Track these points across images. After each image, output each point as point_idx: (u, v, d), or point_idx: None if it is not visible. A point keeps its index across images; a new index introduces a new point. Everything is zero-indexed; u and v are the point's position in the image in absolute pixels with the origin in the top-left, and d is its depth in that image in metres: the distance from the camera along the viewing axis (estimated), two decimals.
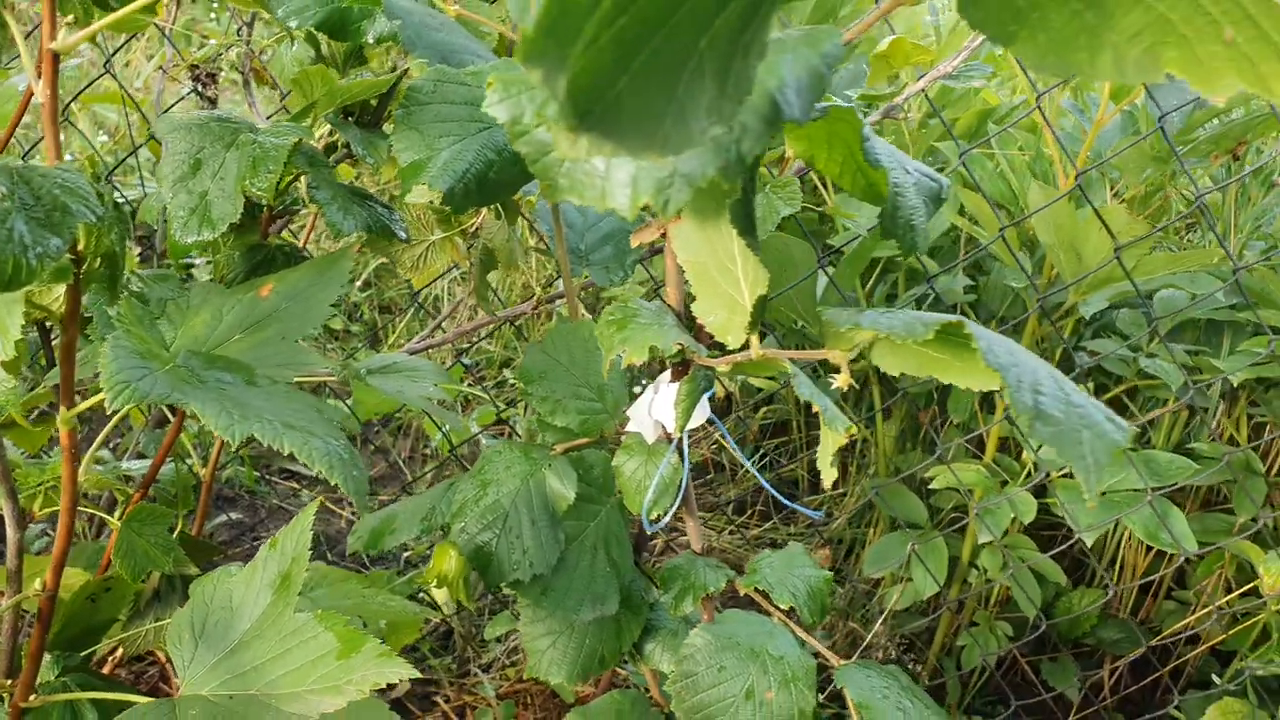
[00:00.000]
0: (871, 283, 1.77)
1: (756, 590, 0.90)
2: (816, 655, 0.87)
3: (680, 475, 0.86)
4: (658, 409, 0.86)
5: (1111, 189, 1.53)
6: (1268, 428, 1.68)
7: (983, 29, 0.46)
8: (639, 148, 0.35)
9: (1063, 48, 0.47)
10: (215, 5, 1.57)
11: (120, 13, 0.52)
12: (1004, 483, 1.61)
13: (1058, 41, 0.47)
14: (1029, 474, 1.61)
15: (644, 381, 1.00)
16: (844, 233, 1.37)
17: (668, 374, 0.85)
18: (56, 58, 0.50)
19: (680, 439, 0.86)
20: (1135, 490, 1.41)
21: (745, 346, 0.68)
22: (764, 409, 2.34)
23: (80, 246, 0.53)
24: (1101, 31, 0.46)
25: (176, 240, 0.68)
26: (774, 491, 0.95)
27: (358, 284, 2.56)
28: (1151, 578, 1.70)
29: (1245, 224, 1.84)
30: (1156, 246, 1.63)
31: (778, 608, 0.88)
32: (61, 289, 0.61)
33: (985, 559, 1.66)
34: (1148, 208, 1.43)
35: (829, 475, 0.72)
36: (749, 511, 2.25)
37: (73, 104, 1.42)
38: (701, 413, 0.84)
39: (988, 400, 1.72)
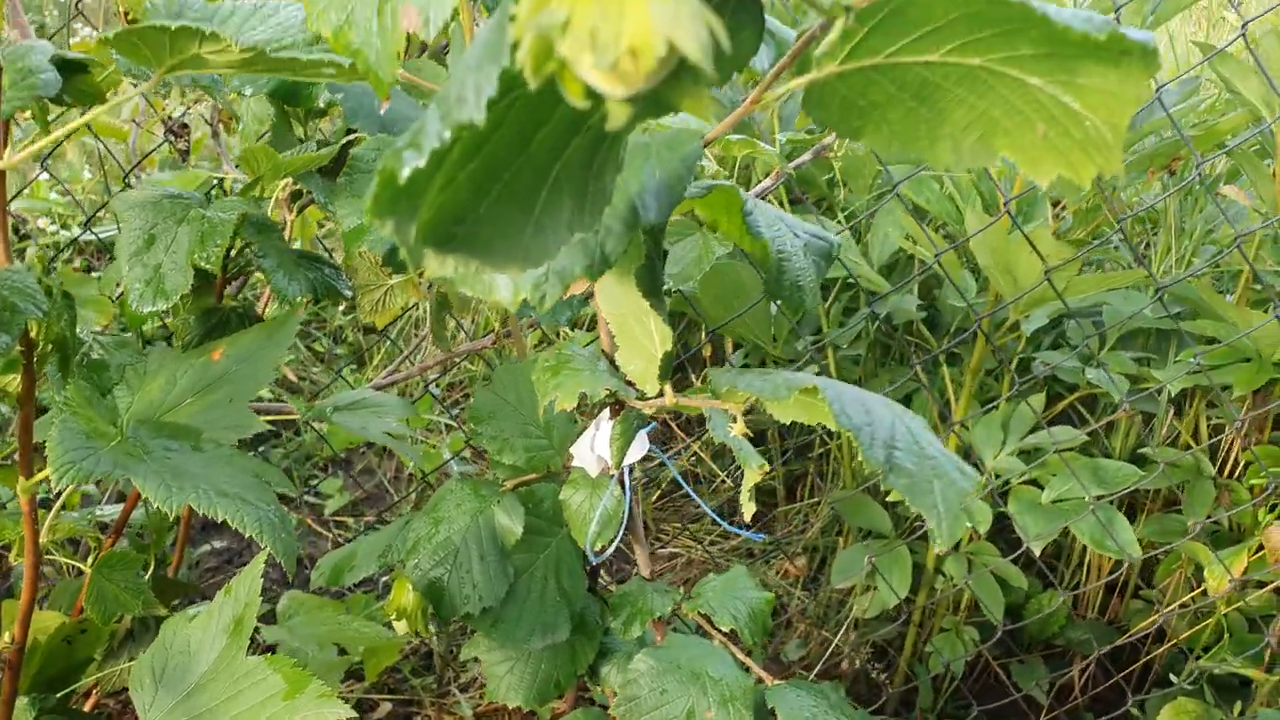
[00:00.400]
0: (831, 298, 1.83)
1: (699, 614, 0.95)
2: (756, 677, 0.92)
3: (623, 507, 0.92)
4: (599, 444, 0.91)
5: (1056, 205, 1.58)
6: (1226, 429, 1.73)
7: (830, 126, 0.52)
8: (502, 263, 0.41)
9: (904, 140, 0.52)
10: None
11: (73, 125, 0.57)
12: None
13: (899, 135, 0.52)
14: (989, 481, 1.66)
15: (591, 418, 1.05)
16: None
17: (607, 411, 0.91)
18: (3, 175, 0.56)
19: (621, 472, 0.91)
20: (1084, 499, 1.46)
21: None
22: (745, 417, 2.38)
23: (33, 334, 0.58)
24: (937, 125, 0.52)
25: (134, 311, 0.73)
26: (712, 513, 1.00)
27: (340, 308, 2.61)
28: (1117, 575, 1.75)
29: (1195, 227, 1.90)
30: (1094, 263, 1.68)
31: (719, 630, 0.93)
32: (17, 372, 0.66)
33: (950, 565, 1.72)
34: (1090, 223, 1.49)
35: (748, 509, 0.78)
36: (730, 520, 2.30)
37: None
38: (639, 447, 0.89)
39: (944, 415, 1.77)
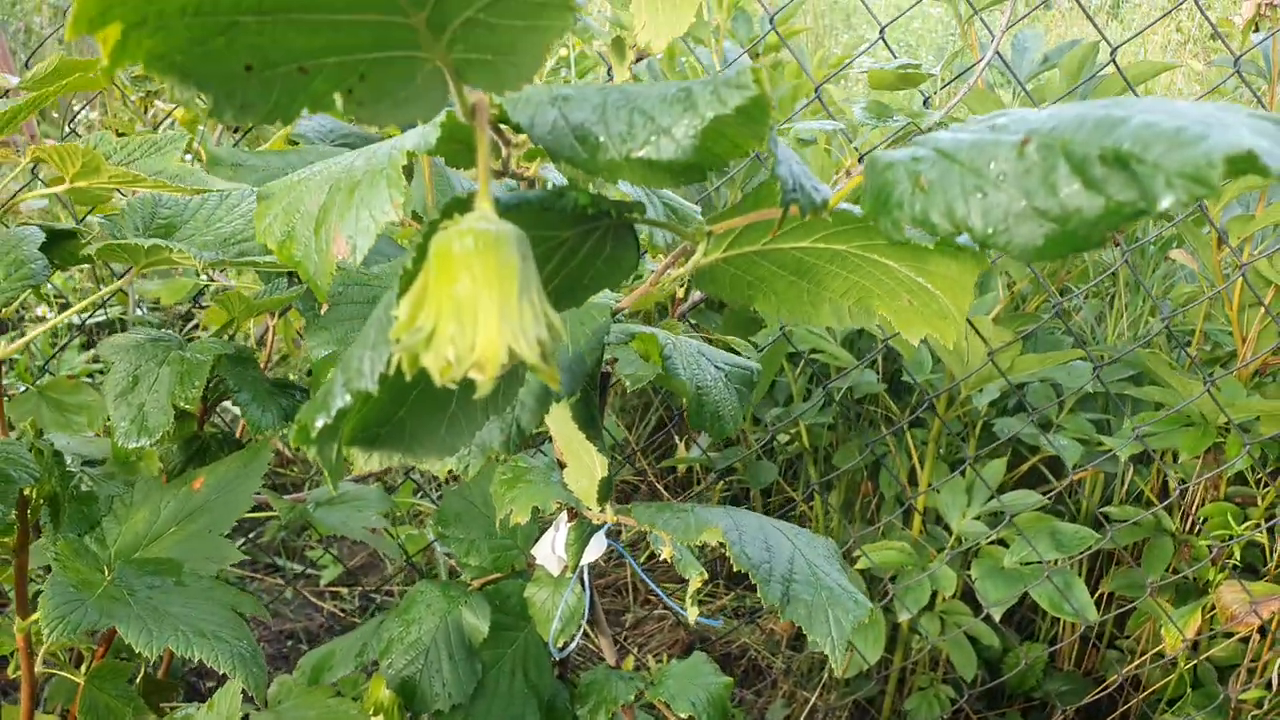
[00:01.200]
0: (799, 369, 1.90)
1: (660, 700, 1.01)
2: None
3: (584, 603, 0.98)
4: (559, 545, 0.97)
5: (1008, 281, 1.66)
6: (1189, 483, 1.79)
7: (722, 298, 0.59)
8: (423, 455, 0.47)
9: (791, 306, 0.59)
10: None
11: (51, 321, 0.63)
12: (940, 549, 1.72)
13: (786, 301, 0.59)
14: (957, 542, 1.72)
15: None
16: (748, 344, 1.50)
17: (565, 514, 0.97)
18: (1, 364, 0.63)
19: (581, 570, 0.98)
20: (1043, 562, 1.52)
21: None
22: (724, 480, 2.45)
23: (27, 493, 0.65)
24: (818, 292, 0.59)
25: (119, 447, 0.80)
26: (666, 599, 1.06)
27: None
28: (1092, 625, 1.80)
29: (1153, 285, 1.98)
30: (1040, 332, 1.75)
31: (678, 717, 0.99)
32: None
33: (925, 624, 1.77)
34: (1035, 299, 1.56)
35: (692, 613, 0.84)
36: (717, 580, 2.34)
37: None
38: (596, 548, 0.95)
39: (913, 477, 1.83)
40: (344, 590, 2.40)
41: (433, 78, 0.35)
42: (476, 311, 0.32)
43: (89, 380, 2.18)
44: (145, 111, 1.64)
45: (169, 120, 1.78)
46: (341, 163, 0.53)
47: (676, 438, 2.38)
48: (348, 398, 0.35)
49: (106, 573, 0.68)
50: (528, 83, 0.35)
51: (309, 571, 2.42)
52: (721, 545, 0.57)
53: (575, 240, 0.45)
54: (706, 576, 0.80)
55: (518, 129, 0.40)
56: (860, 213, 0.49)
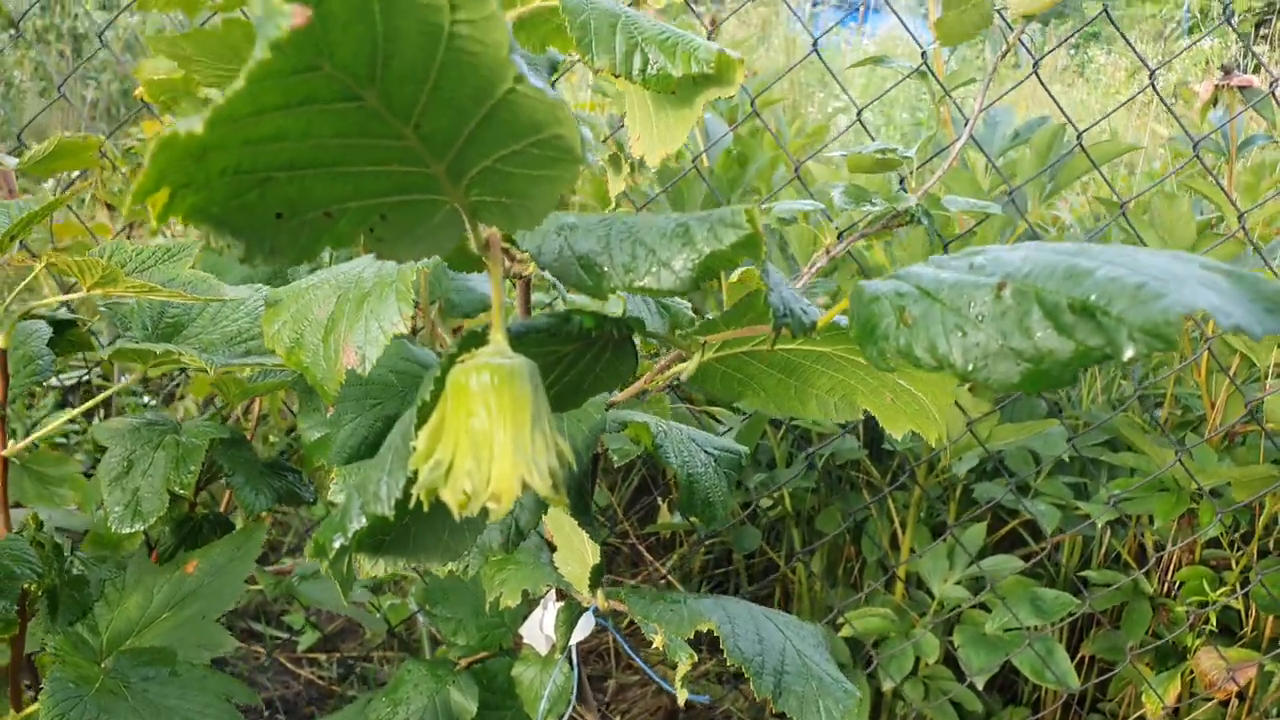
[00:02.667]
0: (781, 433, 1.92)
1: None
2: None
3: (571, 683, 0.98)
4: (547, 624, 0.98)
5: None
6: (1168, 545, 1.82)
7: (713, 393, 0.61)
8: (426, 560, 0.49)
9: (779, 401, 0.62)
10: None
11: (56, 422, 0.65)
12: (922, 613, 1.73)
13: (774, 397, 0.62)
14: (940, 607, 1.73)
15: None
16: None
17: (554, 592, 0.98)
18: (7, 463, 0.64)
19: (570, 649, 0.98)
20: (1025, 629, 1.53)
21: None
22: (709, 541, 2.45)
23: (27, 587, 0.66)
24: (805, 389, 0.61)
25: (113, 531, 0.81)
26: (655, 676, 1.07)
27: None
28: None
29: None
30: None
31: None
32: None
33: (909, 690, 1.77)
34: None
35: (681, 695, 0.85)
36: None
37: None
38: (585, 628, 0.96)
39: (895, 540, 1.85)
40: (322, 657, 2.37)
41: (450, 217, 0.38)
42: (492, 445, 0.34)
43: (63, 441, 2.17)
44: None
45: None
46: (350, 271, 0.55)
47: (659, 500, 2.39)
48: (364, 520, 0.37)
49: (101, 663, 0.69)
50: (539, 223, 0.37)
51: (284, 636, 2.39)
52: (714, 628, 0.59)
53: (577, 353, 0.48)
54: (695, 659, 0.81)
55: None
56: (843, 323, 0.52)
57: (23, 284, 0.61)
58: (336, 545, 0.37)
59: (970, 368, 0.35)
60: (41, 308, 0.61)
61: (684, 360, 0.58)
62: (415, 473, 0.35)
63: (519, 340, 0.39)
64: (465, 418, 0.34)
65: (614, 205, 0.60)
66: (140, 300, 0.70)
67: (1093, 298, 0.32)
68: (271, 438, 2.26)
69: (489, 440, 0.34)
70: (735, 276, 1.06)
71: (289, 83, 0.28)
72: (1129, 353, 0.31)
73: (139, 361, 0.65)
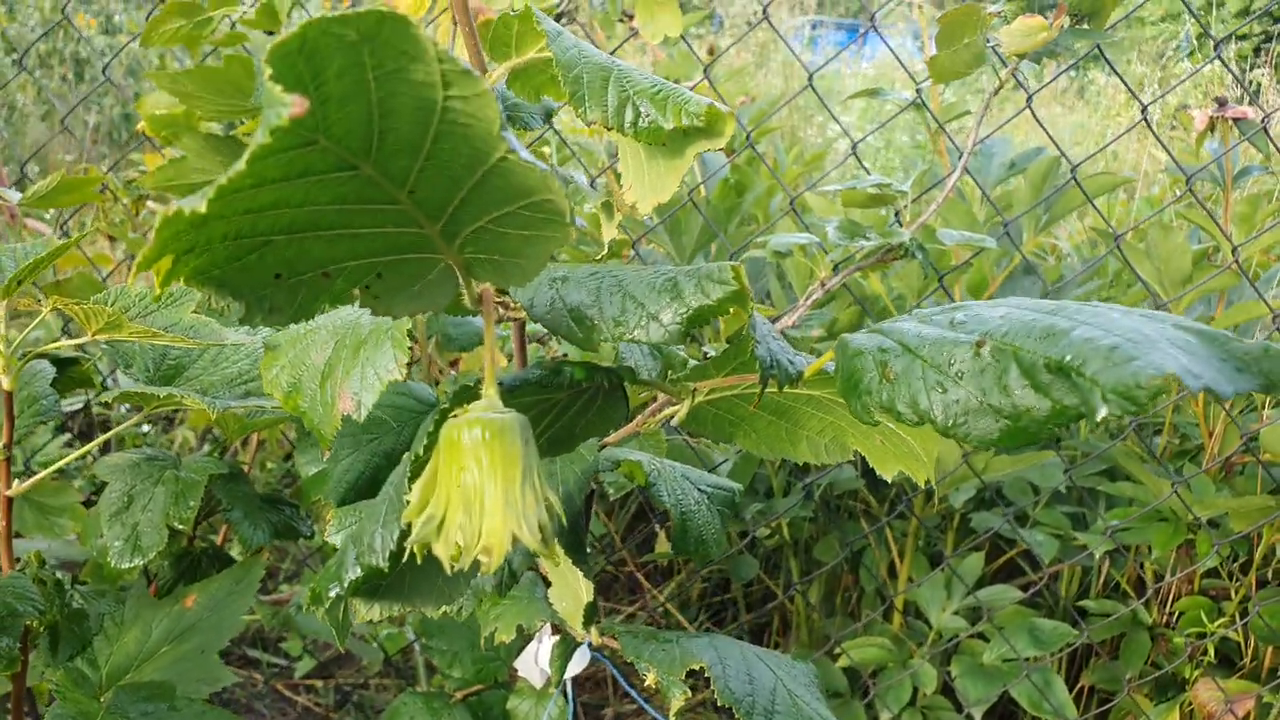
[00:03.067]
0: (779, 463, 1.92)
1: None
2: None
3: (567, 716, 0.98)
4: (542, 658, 0.98)
5: None
6: (1166, 575, 1.82)
7: (706, 435, 0.62)
8: (420, 605, 0.50)
9: (770, 442, 0.63)
10: None
11: (61, 461, 0.66)
12: (920, 643, 1.73)
13: (765, 438, 0.62)
14: (937, 636, 1.73)
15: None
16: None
17: (549, 626, 0.98)
18: (11, 501, 0.65)
19: (564, 683, 0.99)
20: (1023, 660, 1.53)
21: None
22: (707, 570, 2.45)
23: (30, 623, 0.66)
24: (795, 430, 0.62)
25: (112, 566, 0.81)
26: (651, 710, 1.07)
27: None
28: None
29: None
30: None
31: None
32: None
33: None
34: None
35: None
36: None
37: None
38: (579, 662, 0.96)
39: (893, 569, 1.85)
40: (319, 684, 2.37)
41: (444, 274, 0.39)
42: (483, 500, 0.35)
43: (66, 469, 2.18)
44: (136, 214, 1.68)
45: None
46: (347, 317, 0.56)
47: (657, 526, 2.39)
48: (359, 570, 0.38)
49: (100, 698, 0.69)
50: (531, 279, 0.38)
51: (281, 663, 2.39)
52: (706, 677, 0.59)
53: (569, 400, 0.49)
54: (689, 696, 0.81)
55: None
56: (831, 369, 0.53)
57: (31, 326, 0.62)
58: (333, 594, 0.38)
59: (950, 424, 0.36)
60: (52, 350, 0.62)
61: (675, 403, 0.59)
62: (409, 525, 0.36)
63: (511, 393, 0.40)
64: (457, 472, 0.35)
65: (606, 249, 0.61)
66: (143, 347, 0.71)
67: (1068, 358, 0.33)
68: (269, 464, 2.27)
69: (480, 495, 0.35)
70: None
71: (287, 158, 0.29)
72: (1102, 413, 0.32)
73: (143, 403, 0.66)
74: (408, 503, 0.36)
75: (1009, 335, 0.36)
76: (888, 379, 0.38)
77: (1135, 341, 0.32)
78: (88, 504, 1.35)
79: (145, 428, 1.71)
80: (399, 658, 1.89)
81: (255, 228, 0.33)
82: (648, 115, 0.50)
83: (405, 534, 0.37)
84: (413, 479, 0.36)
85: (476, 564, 0.51)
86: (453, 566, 0.34)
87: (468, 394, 0.38)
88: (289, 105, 0.26)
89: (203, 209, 0.27)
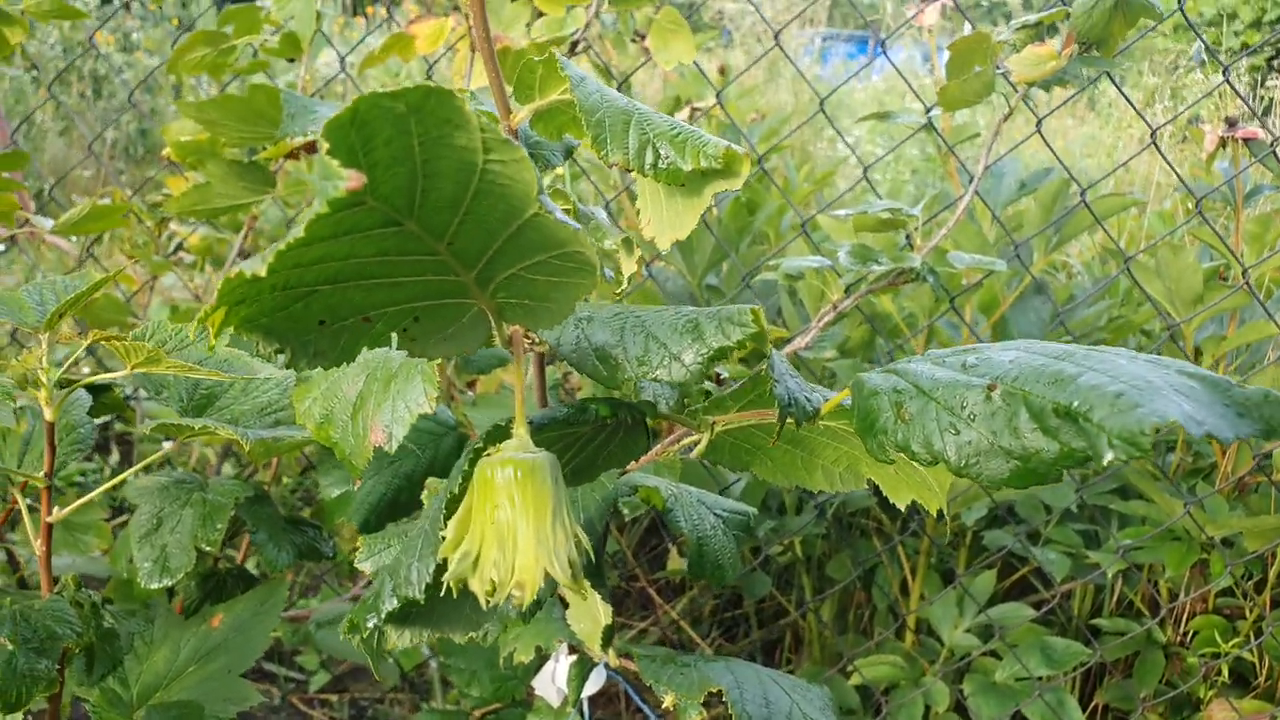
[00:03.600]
0: None
1: None
2: None
3: None
4: (559, 677, 1.00)
5: None
6: (1180, 594, 1.82)
7: (722, 463, 0.64)
8: (449, 631, 0.51)
9: (786, 471, 0.64)
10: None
11: (98, 490, 0.68)
12: (932, 660, 1.74)
13: (781, 467, 0.64)
14: (949, 654, 1.74)
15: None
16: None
17: (566, 645, 1.00)
18: (50, 528, 0.67)
19: (581, 703, 1.00)
20: (1036, 678, 1.54)
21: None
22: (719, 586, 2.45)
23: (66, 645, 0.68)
24: (811, 459, 0.64)
25: (142, 587, 0.83)
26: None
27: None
28: None
29: None
30: None
31: None
32: None
33: None
34: None
35: None
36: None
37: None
38: (596, 681, 0.98)
39: (905, 587, 1.86)
40: (334, 698, 2.38)
41: (477, 317, 0.40)
42: (516, 537, 0.36)
43: (81, 480, 2.21)
44: (159, 235, 1.71)
45: (181, 242, 1.85)
46: (378, 351, 0.58)
47: (669, 542, 2.40)
48: (395, 602, 0.39)
49: (132, 717, 0.71)
50: (559, 322, 0.40)
51: (297, 677, 2.40)
52: (723, 699, 0.61)
53: (592, 433, 0.50)
54: (704, 717, 0.82)
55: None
56: (847, 403, 0.54)
57: (71, 358, 0.64)
58: (370, 625, 0.40)
59: (963, 464, 0.38)
60: (90, 381, 0.64)
61: (694, 433, 0.60)
62: (444, 559, 0.38)
63: (539, 430, 0.42)
64: (491, 509, 0.37)
65: (625, 283, 0.63)
66: (175, 378, 0.73)
67: (1075, 403, 0.35)
68: (285, 479, 2.29)
69: (513, 532, 0.36)
70: None
71: (337, 218, 0.31)
72: (1108, 457, 0.34)
73: (177, 433, 0.68)
74: (443, 538, 0.38)
75: (1019, 379, 0.37)
76: (903, 420, 0.39)
77: (1140, 388, 0.34)
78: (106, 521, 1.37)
79: (166, 444, 1.74)
80: (414, 672, 1.91)
81: (302, 279, 0.35)
82: (667, 157, 0.51)
83: (440, 568, 0.39)
84: (448, 515, 0.38)
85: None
86: (487, 601, 0.36)
87: (500, 433, 0.39)
88: (345, 180, 0.27)
89: (264, 273, 0.29)
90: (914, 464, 0.60)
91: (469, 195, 0.33)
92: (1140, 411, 0.33)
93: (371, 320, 0.39)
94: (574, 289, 0.39)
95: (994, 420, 0.37)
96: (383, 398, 0.53)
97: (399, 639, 0.49)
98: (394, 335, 0.40)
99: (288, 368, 0.37)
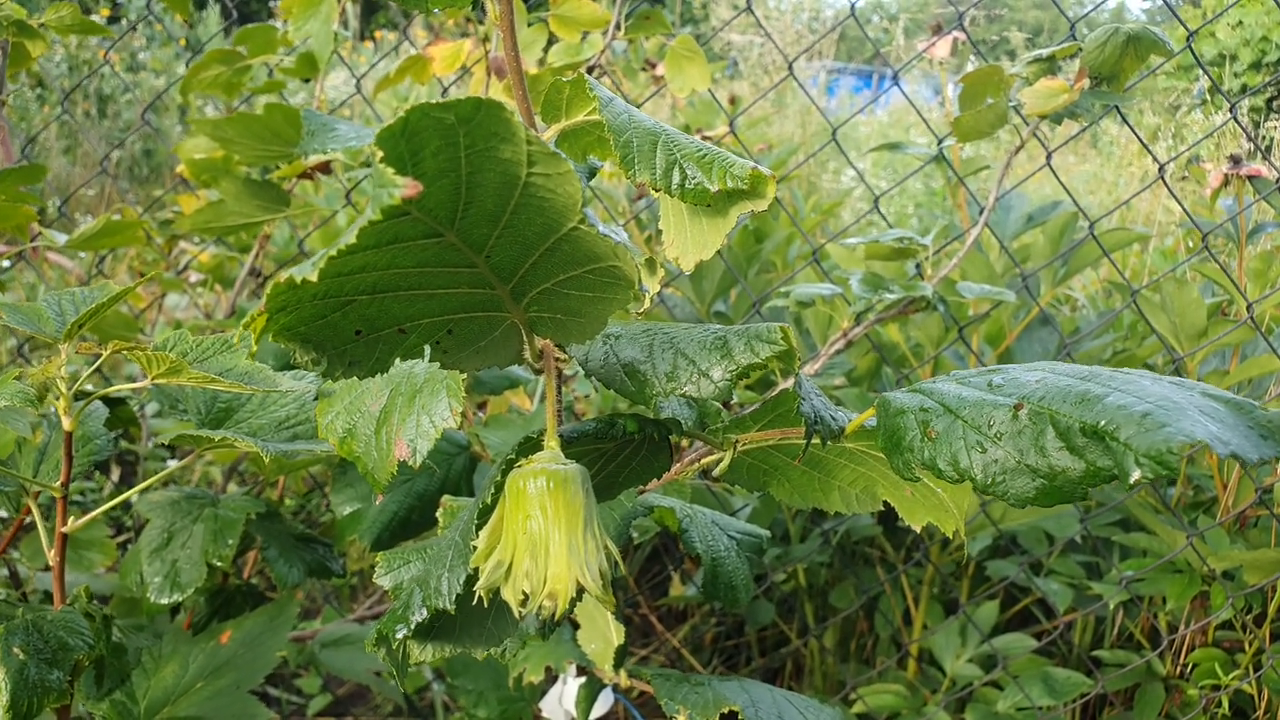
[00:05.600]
0: (797, 509, 1.94)
1: None
2: None
3: None
4: (567, 699, 0.99)
5: None
6: (1181, 625, 1.81)
7: (740, 484, 0.64)
8: (471, 645, 0.51)
9: (803, 492, 0.64)
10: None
11: (110, 503, 0.68)
12: (935, 690, 1.73)
13: (798, 488, 0.64)
14: (951, 684, 1.73)
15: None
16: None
17: (574, 668, 1.00)
18: (65, 538, 0.67)
19: None
20: (1037, 708, 1.53)
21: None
22: (721, 613, 2.44)
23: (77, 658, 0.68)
24: (828, 481, 0.64)
25: (151, 602, 0.83)
26: None
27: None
28: None
29: None
30: None
31: None
32: None
33: None
34: None
35: None
36: None
37: None
38: (604, 704, 0.97)
39: (908, 616, 1.85)
40: None
41: (510, 330, 0.41)
42: (548, 547, 0.37)
43: (80, 498, 2.20)
44: (169, 252, 1.72)
45: (191, 260, 1.85)
46: (402, 365, 0.58)
47: (671, 569, 2.39)
48: (425, 613, 0.40)
49: None
50: (591, 337, 0.41)
51: (297, 700, 2.39)
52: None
53: (616, 449, 0.51)
54: None
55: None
56: (867, 424, 0.55)
57: (92, 368, 0.65)
58: (400, 636, 0.40)
59: (990, 482, 0.38)
60: (113, 392, 0.64)
61: (711, 452, 0.61)
62: (475, 570, 0.38)
63: (568, 444, 0.43)
64: (523, 520, 0.37)
65: (647, 303, 0.63)
66: (193, 391, 0.73)
67: (1102, 423, 0.35)
68: (288, 500, 2.28)
69: (545, 542, 0.37)
70: None
71: (382, 227, 0.32)
72: (1135, 475, 0.34)
73: (196, 444, 0.68)
74: (474, 548, 0.38)
75: (1045, 399, 0.38)
76: (930, 438, 0.40)
77: (1166, 409, 0.34)
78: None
79: (171, 462, 1.73)
80: (415, 696, 1.89)
81: (342, 288, 0.36)
82: (694, 178, 0.52)
83: (471, 578, 0.39)
84: (479, 526, 0.38)
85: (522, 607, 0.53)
86: (520, 611, 0.36)
87: (531, 445, 0.40)
88: (402, 187, 0.28)
89: (314, 276, 0.30)
90: (932, 485, 0.61)
91: (510, 208, 0.34)
92: (1167, 430, 0.33)
93: (407, 331, 0.39)
94: (608, 304, 0.39)
95: (1020, 439, 0.38)
96: (407, 412, 0.54)
97: (422, 653, 0.49)
98: (427, 347, 0.41)
99: (324, 377, 0.37)
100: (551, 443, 0.40)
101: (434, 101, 0.30)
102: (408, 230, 0.34)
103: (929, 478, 0.55)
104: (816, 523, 1.88)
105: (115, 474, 2.44)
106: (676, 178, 0.52)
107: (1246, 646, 1.67)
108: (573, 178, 0.32)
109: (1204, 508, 1.85)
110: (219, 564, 0.83)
